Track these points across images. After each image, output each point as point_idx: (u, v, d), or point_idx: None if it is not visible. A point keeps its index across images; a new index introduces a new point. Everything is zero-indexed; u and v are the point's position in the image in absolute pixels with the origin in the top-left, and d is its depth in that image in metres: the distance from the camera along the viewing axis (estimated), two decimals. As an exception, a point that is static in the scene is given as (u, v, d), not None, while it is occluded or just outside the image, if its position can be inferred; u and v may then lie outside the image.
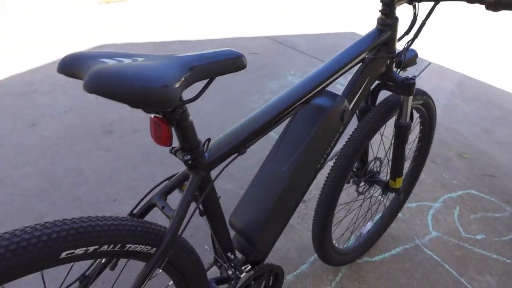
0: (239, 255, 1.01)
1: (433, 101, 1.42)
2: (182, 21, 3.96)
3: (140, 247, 0.70)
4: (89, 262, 0.78)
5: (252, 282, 0.99)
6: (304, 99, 0.87)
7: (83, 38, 3.12)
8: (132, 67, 0.55)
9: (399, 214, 1.92)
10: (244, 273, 0.91)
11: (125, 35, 3.34)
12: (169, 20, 3.95)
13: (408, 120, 1.18)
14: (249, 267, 0.94)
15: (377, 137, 1.50)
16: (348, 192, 1.99)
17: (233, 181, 1.94)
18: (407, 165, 1.76)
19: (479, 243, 1.87)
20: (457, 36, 5.89)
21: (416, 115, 1.45)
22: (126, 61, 0.58)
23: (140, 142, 2.08)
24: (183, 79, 0.57)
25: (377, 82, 1.22)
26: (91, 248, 0.62)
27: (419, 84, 3.64)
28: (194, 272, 0.83)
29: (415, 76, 1.10)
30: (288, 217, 0.98)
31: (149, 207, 0.78)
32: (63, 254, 0.58)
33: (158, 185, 0.78)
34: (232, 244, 0.91)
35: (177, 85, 0.56)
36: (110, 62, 0.57)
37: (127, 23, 3.64)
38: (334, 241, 1.51)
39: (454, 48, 5.24)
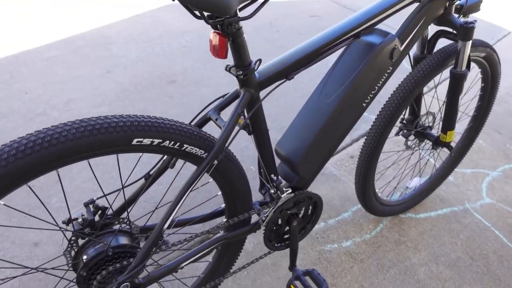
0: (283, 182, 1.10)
1: (497, 56, 1.36)
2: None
3: (195, 150, 0.81)
4: (153, 162, 0.92)
5: (292, 207, 1.08)
6: (352, 33, 0.91)
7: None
8: None
9: (451, 178, 1.88)
10: (284, 194, 1.00)
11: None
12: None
13: (464, 68, 1.16)
14: (290, 190, 1.03)
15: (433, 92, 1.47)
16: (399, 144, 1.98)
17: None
18: (464, 125, 1.71)
19: (537, 214, 1.78)
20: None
21: (477, 70, 1.40)
22: None
23: (199, 92, 2.23)
24: None
25: (436, 30, 1.20)
26: (156, 141, 0.74)
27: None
28: (239, 184, 0.93)
29: (475, 21, 1.07)
30: (331, 148, 1.04)
31: (205, 120, 0.88)
32: (134, 141, 0.71)
33: (214, 101, 0.89)
34: (275, 167, 1.00)
35: None
36: None
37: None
38: (377, 191, 1.54)
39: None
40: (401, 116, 1.42)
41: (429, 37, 1.23)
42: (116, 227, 0.87)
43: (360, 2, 3.97)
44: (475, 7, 1.12)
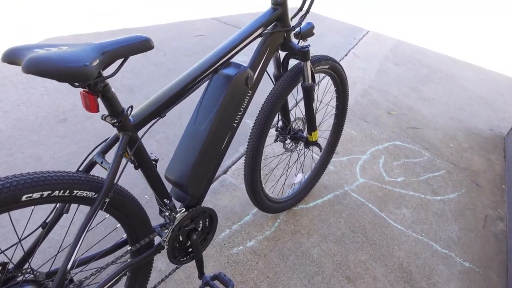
0: (178, 204, 1.24)
1: (340, 65, 1.67)
2: (125, 9, 4.02)
3: (86, 193, 0.91)
4: (48, 213, 0.98)
5: (190, 223, 1.22)
6: (211, 69, 1.09)
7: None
8: (58, 52, 0.75)
9: (331, 167, 2.21)
10: (179, 214, 1.15)
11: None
12: (111, 9, 4.00)
13: (310, 82, 1.43)
14: (184, 209, 1.17)
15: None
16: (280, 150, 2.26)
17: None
18: (331, 122, 2.03)
19: (399, 184, 2.19)
20: (394, 3, 6.21)
21: (326, 78, 1.70)
22: (53, 49, 0.78)
23: (94, 126, 2.24)
24: (98, 60, 0.78)
25: (286, 52, 1.45)
26: (45, 193, 0.82)
27: (356, 51, 3.93)
28: (135, 214, 1.04)
29: (309, 45, 1.34)
30: (215, 166, 1.21)
31: (92, 164, 0.98)
32: (24, 197, 0.79)
33: (97, 146, 0.99)
34: (167, 192, 1.13)
35: (94, 63, 0.76)
36: (41, 51, 0.77)
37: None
38: (268, 191, 1.77)
39: (391, 16, 5.57)
40: (275, 125, 1.66)
41: (282, 59, 1.48)
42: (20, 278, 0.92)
43: (239, 18, 4.28)
44: (309, 33, 1.39)
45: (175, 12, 4.15)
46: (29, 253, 0.97)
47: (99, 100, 0.87)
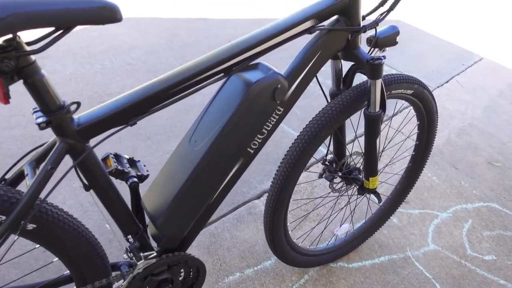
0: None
1: (430, 93, 1.20)
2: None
3: (-12, 215, 0.63)
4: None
5: (165, 271, 0.89)
6: (218, 68, 0.74)
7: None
8: None
9: (395, 220, 1.71)
10: (141, 260, 0.82)
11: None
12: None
13: (377, 109, 1.00)
14: (154, 254, 0.84)
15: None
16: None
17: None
18: (404, 165, 1.55)
19: (486, 264, 1.61)
20: (524, 31, 5.21)
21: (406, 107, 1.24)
22: None
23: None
24: None
25: (352, 64, 1.04)
26: None
27: (462, 79, 3.27)
28: (78, 248, 0.74)
29: (383, 56, 0.91)
30: (205, 204, 0.86)
31: (20, 174, 0.70)
32: None
33: (30, 152, 0.71)
34: (134, 225, 0.82)
35: None
36: None
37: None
38: (298, 239, 1.37)
39: (517, 44, 4.66)
40: (323, 157, 1.25)
41: (346, 72, 1.07)
42: None
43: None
44: (390, 40, 0.96)
45: (260, 10, 3.88)
46: None
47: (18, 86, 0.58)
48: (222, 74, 0.77)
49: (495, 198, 1.99)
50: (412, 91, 1.14)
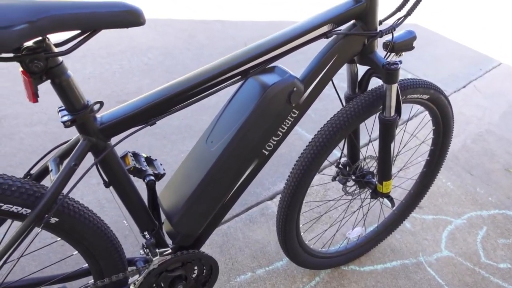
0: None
1: (446, 97, 1.20)
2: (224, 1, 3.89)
3: (15, 208, 0.66)
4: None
5: (179, 268, 0.91)
6: (235, 71, 0.76)
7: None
8: None
9: (408, 225, 1.70)
10: (157, 256, 0.84)
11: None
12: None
13: (392, 114, 1.00)
14: (169, 250, 0.87)
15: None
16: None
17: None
18: (418, 170, 1.54)
19: (500, 272, 1.59)
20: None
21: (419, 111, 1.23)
22: None
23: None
24: (27, 24, 0.51)
25: (368, 68, 1.05)
26: None
27: (479, 84, 3.22)
28: (97, 242, 0.77)
29: (399, 61, 0.92)
30: (221, 203, 0.88)
31: (45, 170, 0.73)
32: None
33: (54, 148, 0.74)
34: (151, 222, 0.84)
35: (15, 28, 0.49)
36: None
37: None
38: (310, 241, 1.37)
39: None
40: (337, 160, 1.26)
41: (362, 76, 1.08)
42: None
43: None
44: (407, 45, 0.96)
45: (276, 12, 3.89)
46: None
47: (47, 87, 0.61)
48: (239, 76, 0.79)
49: (511, 205, 1.96)
50: (428, 96, 1.13)
